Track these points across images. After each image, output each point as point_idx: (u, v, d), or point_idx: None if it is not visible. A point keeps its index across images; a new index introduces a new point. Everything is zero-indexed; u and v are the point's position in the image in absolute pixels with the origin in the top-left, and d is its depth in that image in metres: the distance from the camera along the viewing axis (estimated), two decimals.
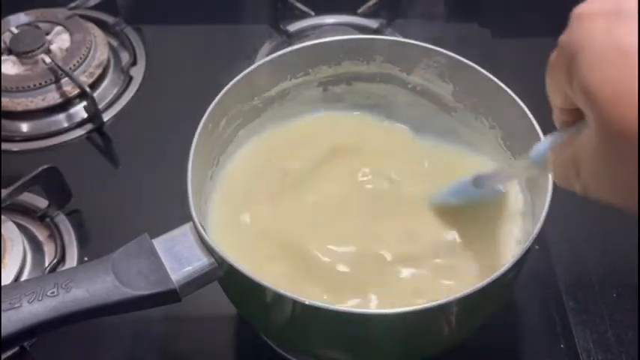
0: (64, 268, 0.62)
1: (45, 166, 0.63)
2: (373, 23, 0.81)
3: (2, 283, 0.58)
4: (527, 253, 0.45)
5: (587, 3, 0.29)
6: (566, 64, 0.29)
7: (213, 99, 0.53)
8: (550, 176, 0.47)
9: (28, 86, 0.73)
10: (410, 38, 0.58)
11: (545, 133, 0.49)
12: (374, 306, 0.49)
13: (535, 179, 0.50)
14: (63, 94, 0.74)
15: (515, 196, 0.55)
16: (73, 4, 0.85)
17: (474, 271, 0.51)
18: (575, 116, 0.33)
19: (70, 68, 0.74)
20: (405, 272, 0.51)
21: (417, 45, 0.57)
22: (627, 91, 0.26)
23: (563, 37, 0.30)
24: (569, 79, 0.29)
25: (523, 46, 0.80)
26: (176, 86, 0.77)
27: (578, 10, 0.29)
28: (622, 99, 0.26)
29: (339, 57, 0.59)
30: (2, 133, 0.73)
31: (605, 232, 0.64)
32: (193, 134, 0.51)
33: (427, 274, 0.51)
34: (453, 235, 0.53)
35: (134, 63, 0.80)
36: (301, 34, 0.81)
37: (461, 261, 0.52)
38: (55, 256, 0.62)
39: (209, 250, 0.46)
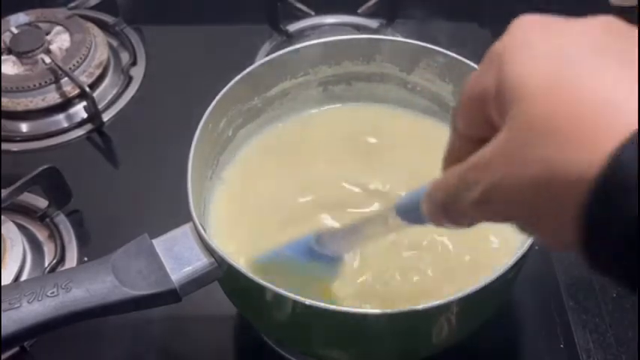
0: (63, 268, 0.62)
1: (45, 166, 0.63)
2: (373, 23, 0.81)
3: (2, 283, 0.58)
4: (528, 253, 0.45)
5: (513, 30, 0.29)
6: (496, 68, 0.28)
7: (213, 99, 0.53)
8: None
9: (28, 86, 0.73)
10: (410, 38, 0.58)
11: None
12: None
13: None
14: (63, 94, 0.74)
15: None
16: (72, 4, 0.85)
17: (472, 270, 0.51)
18: (476, 147, 0.30)
19: (70, 68, 0.74)
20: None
21: (417, 45, 0.57)
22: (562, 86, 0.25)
23: (497, 44, 0.29)
24: (494, 76, 0.28)
25: None
26: (176, 86, 0.77)
27: (497, 45, 0.29)
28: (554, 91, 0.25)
29: (339, 57, 0.59)
30: (2, 133, 0.73)
31: None
32: (193, 134, 0.51)
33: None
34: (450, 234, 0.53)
35: (134, 63, 0.80)
36: (301, 34, 0.81)
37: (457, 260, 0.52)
38: (54, 256, 0.62)
39: (209, 250, 0.46)
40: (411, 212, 0.36)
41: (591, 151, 0.23)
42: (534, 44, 0.28)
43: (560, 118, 0.25)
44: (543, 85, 0.26)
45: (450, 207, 0.31)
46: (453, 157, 0.33)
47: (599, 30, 0.27)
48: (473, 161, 0.29)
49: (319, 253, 0.46)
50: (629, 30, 0.27)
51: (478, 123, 0.30)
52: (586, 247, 0.25)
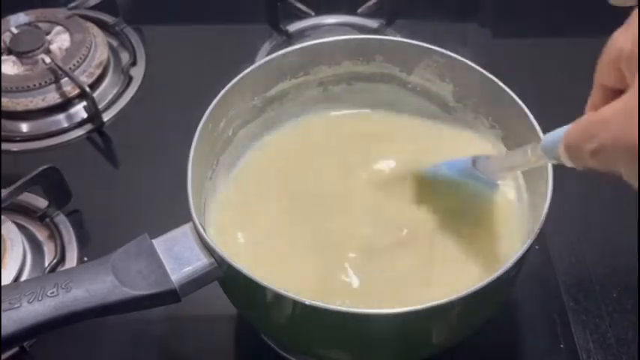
0: (63, 268, 0.62)
1: (45, 166, 0.63)
2: (373, 23, 0.81)
3: (2, 283, 0.58)
4: (527, 252, 0.45)
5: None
6: (632, 32, 0.33)
7: (213, 99, 0.53)
8: (550, 176, 0.47)
9: (28, 86, 0.73)
10: (410, 38, 0.58)
11: (544, 132, 0.49)
12: None
13: (536, 181, 0.50)
14: (63, 94, 0.74)
15: (515, 195, 0.55)
16: (72, 4, 0.85)
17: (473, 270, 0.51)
18: (611, 96, 0.36)
19: (70, 68, 0.74)
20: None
21: (417, 45, 0.57)
22: None
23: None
24: (632, 37, 0.33)
25: (523, 46, 0.80)
26: (176, 86, 0.77)
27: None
28: None
29: (339, 57, 0.59)
30: (2, 133, 0.73)
31: (606, 232, 0.64)
32: (193, 134, 0.51)
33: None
34: (451, 233, 0.53)
35: (134, 63, 0.80)
36: (301, 34, 0.81)
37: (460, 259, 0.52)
38: (54, 256, 0.62)
39: (209, 250, 0.46)
40: (552, 149, 0.40)
41: None
42: None
43: None
44: None
45: (577, 152, 0.35)
46: (592, 103, 0.38)
47: None
48: (596, 117, 0.34)
49: (473, 174, 0.52)
50: None
51: (613, 76, 0.35)
52: None
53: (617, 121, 0.32)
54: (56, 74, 0.74)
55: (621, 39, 0.34)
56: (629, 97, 0.32)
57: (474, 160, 0.51)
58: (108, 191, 0.69)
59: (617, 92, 0.35)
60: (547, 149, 0.41)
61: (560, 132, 0.39)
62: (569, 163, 0.38)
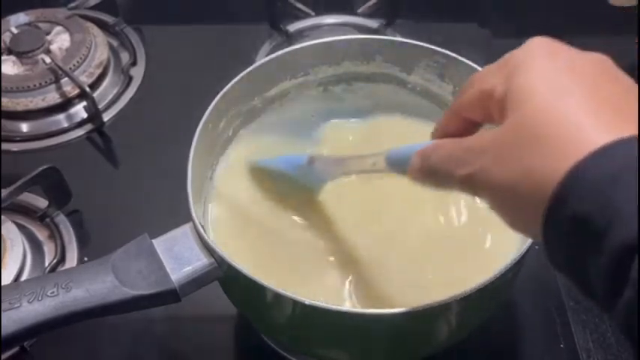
0: (64, 268, 0.62)
1: (45, 166, 0.63)
2: (373, 23, 0.81)
3: (2, 283, 0.58)
4: (527, 253, 0.45)
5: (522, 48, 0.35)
6: (507, 74, 0.34)
7: (213, 99, 0.53)
8: None
9: (28, 86, 0.73)
10: (410, 38, 0.58)
11: None
12: None
13: None
14: (63, 94, 0.74)
15: None
16: (72, 4, 0.85)
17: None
18: (465, 128, 0.38)
19: (70, 68, 0.74)
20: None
21: (417, 45, 0.57)
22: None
23: (513, 55, 0.35)
24: (504, 79, 0.34)
25: None
26: (176, 86, 0.77)
27: (511, 55, 0.35)
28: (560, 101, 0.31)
29: (339, 57, 0.59)
30: (2, 133, 0.73)
31: None
32: (193, 134, 0.51)
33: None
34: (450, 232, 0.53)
35: (134, 63, 0.80)
36: (301, 34, 0.81)
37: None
38: (55, 256, 0.62)
39: (209, 250, 0.46)
40: (398, 163, 0.41)
41: (560, 162, 0.29)
42: (544, 67, 0.33)
43: (546, 132, 0.30)
44: (542, 102, 0.31)
45: (438, 173, 0.36)
46: (445, 130, 0.40)
47: (598, 70, 0.33)
48: (471, 143, 0.34)
49: (307, 172, 0.52)
50: (620, 76, 0.33)
51: (479, 113, 0.37)
52: (544, 241, 0.30)
53: (493, 152, 0.32)
54: (56, 74, 0.74)
55: (491, 79, 0.35)
56: (503, 132, 0.32)
57: (310, 159, 0.52)
58: (108, 191, 0.69)
59: (477, 124, 0.38)
60: (393, 164, 0.42)
61: (407, 150, 0.39)
62: (416, 180, 0.39)
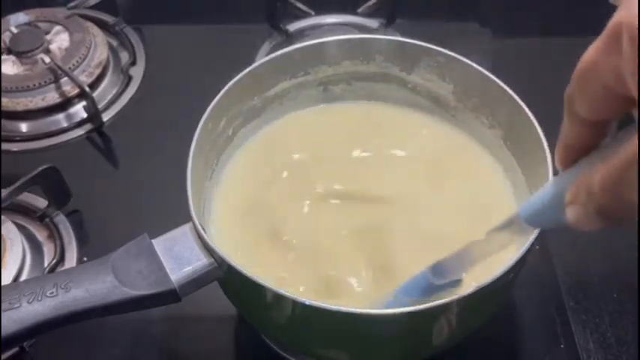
0: (63, 268, 0.62)
1: (45, 166, 0.62)
2: (373, 23, 0.81)
3: (2, 283, 0.58)
4: (527, 253, 0.45)
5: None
6: (630, 42, 0.26)
7: (213, 99, 0.53)
8: (550, 176, 0.47)
9: (28, 86, 0.73)
10: (410, 38, 0.58)
11: (545, 132, 0.49)
12: None
13: (537, 180, 0.50)
14: (62, 93, 0.74)
15: (514, 195, 0.55)
16: (72, 4, 0.85)
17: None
18: (600, 132, 0.30)
19: (70, 68, 0.74)
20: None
21: (417, 45, 0.57)
22: None
23: (623, 14, 0.27)
24: (630, 60, 0.26)
25: (523, 46, 0.80)
26: (176, 86, 0.77)
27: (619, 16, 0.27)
28: None
29: (339, 57, 0.59)
30: (2, 133, 0.73)
31: (606, 232, 0.63)
32: (193, 134, 0.51)
33: None
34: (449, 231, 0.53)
35: (134, 63, 0.80)
36: (301, 34, 0.81)
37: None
38: (54, 256, 0.62)
39: (209, 250, 0.46)
40: (544, 216, 0.34)
41: None
42: None
43: None
44: None
45: (609, 208, 0.29)
46: (577, 148, 0.32)
47: None
48: (630, 155, 0.27)
49: (437, 285, 0.44)
50: None
51: (607, 105, 0.29)
52: None
53: None
54: (56, 74, 0.74)
55: (611, 59, 0.27)
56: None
57: (434, 270, 0.44)
58: (108, 191, 0.69)
59: (606, 124, 0.30)
60: (536, 218, 0.35)
61: (545, 195, 0.33)
62: (586, 226, 0.30)
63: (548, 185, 0.33)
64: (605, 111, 0.30)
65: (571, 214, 0.30)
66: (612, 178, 0.28)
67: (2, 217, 0.62)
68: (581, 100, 0.30)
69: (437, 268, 0.44)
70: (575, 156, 0.32)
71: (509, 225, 0.39)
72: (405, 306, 0.42)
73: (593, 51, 0.29)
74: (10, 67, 0.75)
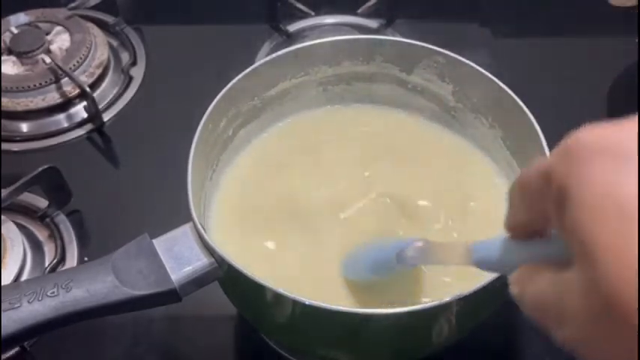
0: (64, 268, 0.62)
1: (45, 166, 0.63)
2: (373, 23, 0.81)
3: (2, 283, 0.58)
4: None
5: (586, 135, 0.25)
6: (556, 194, 0.26)
7: (213, 99, 0.53)
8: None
9: (28, 86, 0.73)
10: (410, 38, 0.58)
11: (545, 132, 0.49)
12: None
13: None
14: (63, 94, 0.74)
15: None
16: (73, 4, 0.85)
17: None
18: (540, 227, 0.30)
19: (70, 68, 0.74)
20: None
21: (417, 45, 0.57)
22: (626, 251, 0.23)
23: (556, 166, 0.26)
24: (558, 209, 0.26)
25: (523, 46, 0.80)
26: (176, 86, 0.77)
27: (575, 142, 0.25)
28: (620, 259, 0.23)
29: (339, 57, 0.59)
30: (2, 133, 0.73)
31: None
32: (193, 134, 0.51)
33: None
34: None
35: (134, 63, 0.80)
36: (301, 34, 0.81)
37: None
38: (55, 256, 0.62)
39: (209, 250, 0.47)
40: (491, 266, 0.35)
41: None
42: (593, 188, 0.24)
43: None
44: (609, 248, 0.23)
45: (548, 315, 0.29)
46: (522, 232, 0.32)
47: None
48: (557, 294, 0.27)
49: (392, 269, 0.45)
50: None
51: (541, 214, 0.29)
52: None
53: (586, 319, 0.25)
54: (56, 74, 0.74)
55: (543, 207, 0.27)
56: (575, 281, 0.25)
57: (398, 256, 0.43)
58: (108, 191, 0.69)
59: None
60: (486, 267, 0.35)
61: (496, 248, 0.33)
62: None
63: (501, 247, 0.33)
64: (536, 217, 0.30)
65: (512, 291, 0.31)
66: (538, 289, 0.29)
67: (3, 217, 0.62)
68: (520, 200, 0.31)
69: (400, 255, 0.43)
70: (523, 236, 0.31)
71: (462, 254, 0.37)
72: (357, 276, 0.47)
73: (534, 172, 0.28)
74: (11, 67, 0.75)
